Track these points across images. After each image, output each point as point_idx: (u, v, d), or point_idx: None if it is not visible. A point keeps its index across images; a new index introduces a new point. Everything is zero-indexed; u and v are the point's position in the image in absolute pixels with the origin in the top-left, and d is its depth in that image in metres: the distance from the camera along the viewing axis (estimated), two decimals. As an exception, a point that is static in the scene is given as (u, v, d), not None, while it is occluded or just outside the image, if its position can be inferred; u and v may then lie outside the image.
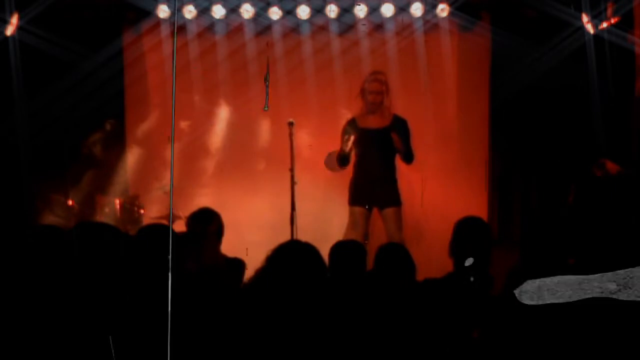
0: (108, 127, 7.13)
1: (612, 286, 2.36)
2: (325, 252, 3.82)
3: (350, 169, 6.26)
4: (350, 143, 6.06)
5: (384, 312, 3.15)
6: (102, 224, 3.88)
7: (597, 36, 6.45)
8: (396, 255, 3.88)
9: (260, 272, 2.84)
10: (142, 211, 6.82)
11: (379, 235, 6.22)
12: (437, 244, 4.84)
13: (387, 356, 2.93)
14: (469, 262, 3.50)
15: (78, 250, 3.04)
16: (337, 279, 3.83)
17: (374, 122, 6.17)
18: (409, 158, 6.19)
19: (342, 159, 6.20)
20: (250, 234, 6.48)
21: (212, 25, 7.09)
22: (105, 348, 2.73)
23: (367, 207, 6.17)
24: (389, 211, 6.12)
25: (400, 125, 6.17)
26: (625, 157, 6.01)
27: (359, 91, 6.24)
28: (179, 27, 7.10)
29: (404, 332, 3.07)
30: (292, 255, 2.85)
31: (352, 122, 6.25)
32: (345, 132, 6.21)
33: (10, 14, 6.73)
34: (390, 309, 3.20)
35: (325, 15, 6.94)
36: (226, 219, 4.82)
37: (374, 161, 6.11)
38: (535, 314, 2.80)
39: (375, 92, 6.14)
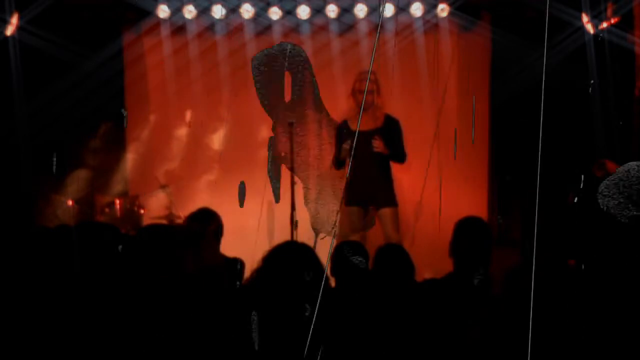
0: (103, 129, 7.16)
1: None
2: (325, 252, 3.83)
3: (346, 170, 6.26)
4: (348, 148, 6.04)
5: (383, 313, 3.15)
6: (102, 224, 3.88)
7: (597, 36, 6.45)
8: (395, 256, 3.88)
9: (257, 273, 2.84)
10: (142, 211, 6.83)
11: (376, 235, 6.21)
12: (436, 244, 4.82)
13: (386, 356, 2.93)
14: None
15: (78, 250, 3.04)
16: (341, 280, 3.84)
17: (366, 123, 6.15)
18: (401, 158, 6.19)
19: (337, 163, 6.21)
20: (250, 234, 6.48)
21: (212, 25, 7.11)
22: (104, 348, 2.74)
23: (364, 207, 6.18)
24: (385, 212, 6.11)
25: (392, 126, 6.17)
26: (625, 157, 6.00)
27: (350, 91, 6.24)
28: (178, 27, 7.12)
29: (403, 332, 3.07)
30: (288, 255, 2.85)
31: (344, 124, 6.24)
32: (337, 135, 6.22)
33: (10, 14, 6.73)
34: (388, 310, 3.20)
35: (325, 15, 6.95)
36: (225, 218, 4.83)
37: (369, 162, 6.08)
38: (535, 314, 2.80)
39: (366, 91, 6.13)
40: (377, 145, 5.98)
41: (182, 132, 7.32)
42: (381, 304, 3.26)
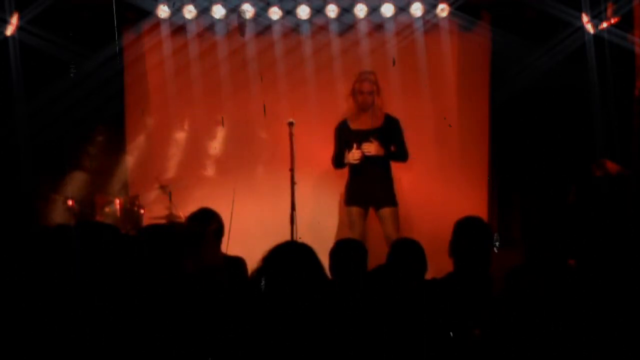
0: (102, 129, 7.17)
1: None
2: (325, 252, 3.83)
3: (345, 169, 6.26)
4: (357, 155, 6.02)
5: (394, 307, 3.15)
6: (102, 224, 3.88)
7: (597, 36, 6.45)
8: (411, 249, 3.88)
9: (257, 273, 2.84)
10: (142, 211, 6.83)
11: (375, 235, 6.20)
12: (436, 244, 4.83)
13: (386, 356, 2.93)
14: None
15: (78, 250, 3.03)
16: (339, 279, 3.84)
17: (366, 123, 6.15)
18: (403, 157, 6.19)
19: (338, 163, 6.21)
20: (250, 234, 6.47)
21: (212, 25, 7.10)
22: (104, 349, 2.74)
23: (364, 207, 6.17)
24: (385, 211, 6.11)
25: (392, 125, 6.17)
26: (625, 157, 6.01)
27: (350, 92, 6.24)
28: (177, 27, 7.12)
29: (403, 331, 3.07)
30: (288, 255, 2.84)
31: (343, 123, 6.24)
32: (337, 134, 6.22)
33: (10, 14, 6.73)
34: (401, 304, 3.20)
35: (325, 15, 6.94)
36: (225, 219, 4.83)
37: (369, 162, 6.08)
38: (535, 314, 2.80)
39: (366, 92, 6.12)
40: (368, 150, 5.97)
41: (182, 132, 7.32)
42: (389, 298, 3.26)
